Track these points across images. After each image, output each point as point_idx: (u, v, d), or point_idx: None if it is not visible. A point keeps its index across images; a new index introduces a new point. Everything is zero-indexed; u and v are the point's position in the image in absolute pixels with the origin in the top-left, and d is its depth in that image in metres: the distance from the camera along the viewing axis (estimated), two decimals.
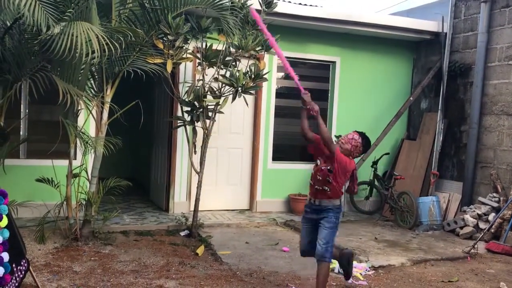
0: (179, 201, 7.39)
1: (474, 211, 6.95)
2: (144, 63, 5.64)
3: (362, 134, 4.23)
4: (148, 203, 8.12)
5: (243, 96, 5.99)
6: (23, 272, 4.04)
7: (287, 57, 8.01)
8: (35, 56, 5.10)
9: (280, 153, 8.06)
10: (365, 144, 4.20)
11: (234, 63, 6.07)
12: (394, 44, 8.50)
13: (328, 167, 4.04)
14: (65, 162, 5.78)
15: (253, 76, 5.94)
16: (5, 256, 3.80)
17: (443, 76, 7.95)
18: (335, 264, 4.95)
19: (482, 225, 6.76)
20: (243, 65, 6.15)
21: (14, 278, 3.90)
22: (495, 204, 6.88)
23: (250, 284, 4.57)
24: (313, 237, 4.20)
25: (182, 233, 6.25)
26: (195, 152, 6.33)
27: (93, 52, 4.63)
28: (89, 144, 5.50)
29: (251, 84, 5.93)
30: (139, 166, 10.20)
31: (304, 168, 8.04)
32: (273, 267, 5.16)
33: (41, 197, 6.13)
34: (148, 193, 8.67)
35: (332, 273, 4.99)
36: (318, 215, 4.18)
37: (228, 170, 7.74)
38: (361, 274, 5.01)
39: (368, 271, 5.15)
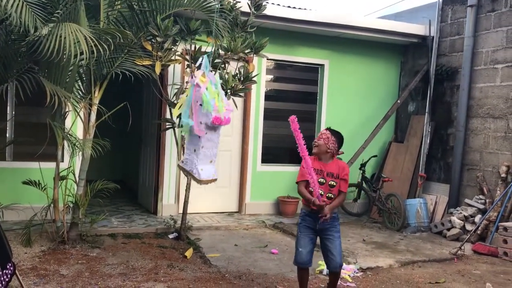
0: (168, 204, 7.36)
1: (460, 213, 7.03)
2: (133, 65, 5.61)
3: (326, 128, 4.19)
4: (136, 205, 8.08)
5: (232, 99, 5.99)
6: (9, 276, 3.99)
7: (273, 59, 8.07)
8: (22, 57, 5.05)
9: (269, 156, 8.08)
10: (334, 134, 4.09)
11: (223, 66, 6.07)
12: (382, 48, 8.57)
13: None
14: (52, 165, 5.73)
15: (242, 79, 5.95)
16: None
17: (430, 79, 8.03)
18: (323, 267, 4.96)
19: (468, 227, 6.83)
20: (232, 67, 6.15)
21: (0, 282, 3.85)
22: (481, 206, 6.96)
23: (239, 287, 4.56)
24: (313, 246, 4.09)
25: (171, 236, 6.22)
26: (183, 154, 6.30)
27: (81, 53, 4.60)
28: (77, 146, 5.46)
29: (240, 87, 5.94)
30: (127, 169, 10.14)
31: (293, 171, 8.06)
32: (262, 269, 5.16)
33: (27, 199, 6.07)
34: (136, 195, 8.62)
35: (321, 275, 5.02)
36: (323, 225, 3.98)
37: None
38: (349, 275, 5.03)
39: (357, 272, 5.18)
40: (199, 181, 4.25)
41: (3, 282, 3.92)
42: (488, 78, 7.28)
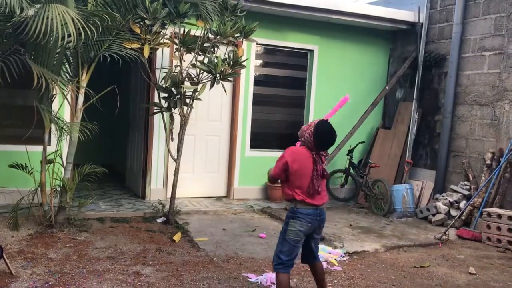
0: (156, 188, 7.35)
1: (446, 198, 7.13)
2: (121, 47, 5.54)
3: (324, 120, 3.68)
4: (124, 190, 8.06)
5: (221, 83, 5.98)
6: None
7: (263, 44, 8.01)
8: (7, 39, 4.96)
9: (258, 141, 8.08)
10: (318, 127, 3.55)
11: (212, 50, 6.04)
12: (371, 34, 8.57)
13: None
14: (39, 148, 5.67)
15: (231, 63, 5.92)
16: None
17: (419, 66, 8.06)
18: None
19: (453, 212, 6.94)
20: (222, 51, 6.12)
21: None
22: (466, 192, 7.07)
23: (227, 270, 4.60)
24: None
25: (159, 220, 6.23)
26: (172, 139, 6.29)
27: (68, 35, 4.54)
28: (65, 130, 5.41)
29: (230, 71, 5.91)
30: (115, 153, 10.08)
31: None
32: (250, 253, 5.20)
33: (14, 183, 6.02)
34: (124, 180, 8.59)
35: None
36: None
37: (205, 158, 7.73)
38: (336, 260, 5.10)
39: (343, 257, 5.25)
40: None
41: None
42: (476, 66, 7.34)
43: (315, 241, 3.78)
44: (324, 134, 3.54)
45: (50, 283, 4.01)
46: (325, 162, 3.91)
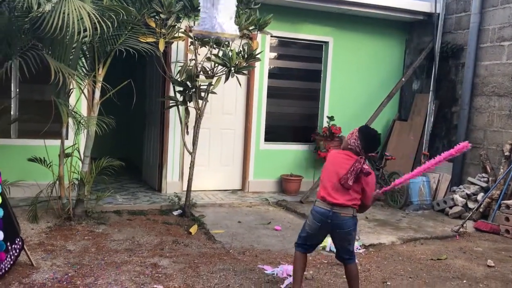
0: (172, 181, 7.41)
1: (463, 191, 7.06)
2: (136, 42, 5.58)
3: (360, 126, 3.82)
4: (141, 183, 8.14)
5: (236, 76, 5.98)
6: (17, 251, 4.07)
7: (278, 37, 7.97)
8: (25, 34, 5.04)
9: (273, 134, 8.08)
10: (362, 130, 3.69)
11: (226, 43, 6.03)
12: (387, 25, 8.48)
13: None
14: (57, 142, 5.76)
15: (246, 56, 5.92)
16: (0, 234, 3.81)
17: (435, 57, 7.97)
18: (326, 243, 5.02)
19: (471, 205, 6.87)
20: (236, 44, 6.12)
21: (9, 256, 3.92)
22: (484, 184, 6.98)
23: (243, 262, 4.63)
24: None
25: (175, 213, 6.29)
26: (187, 132, 6.33)
27: (84, 30, 4.58)
28: (82, 124, 5.48)
29: (244, 64, 5.91)
30: (131, 147, 10.17)
31: (296, 149, 8.11)
32: (265, 245, 5.22)
33: (33, 177, 6.12)
34: (140, 173, 8.67)
35: (324, 251, 5.08)
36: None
37: (220, 151, 7.75)
38: None
39: (359, 249, 5.23)
40: (223, 35, 3.70)
41: (12, 257, 4.00)
42: (494, 56, 7.22)
43: (339, 246, 3.75)
44: (370, 135, 3.68)
45: (69, 274, 4.08)
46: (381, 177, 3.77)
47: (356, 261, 4.84)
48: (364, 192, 3.62)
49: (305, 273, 4.36)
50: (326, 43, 8.22)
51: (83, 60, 5.72)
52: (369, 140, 3.65)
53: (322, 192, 3.65)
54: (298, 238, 3.86)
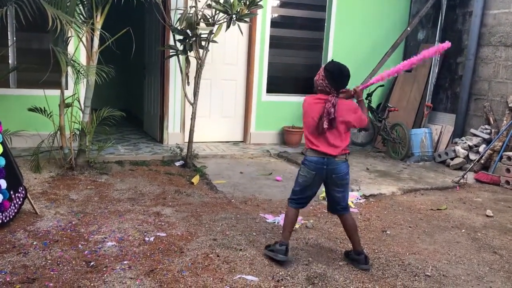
0: (173, 132, 7.40)
1: (465, 142, 7.04)
2: None
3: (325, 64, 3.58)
4: (142, 134, 8.13)
5: (238, 24, 5.83)
6: (21, 199, 4.10)
7: None
8: None
9: (275, 85, 7.98)
10: (328, 67, 3.46)
11: None
12: None
13: None
14: (56, 92, 5.70)
15: (248, 3, 5.74)
16: (3, 183, 3.84)
17: (442, 6, 7.75)
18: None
19: (472, 156, 6.87)
20: None
21: (12, 204, 3.96)
22: (486, 136, 6.96)
23: (245, 211, 4.68)
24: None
25: (177, 164, 6.31)
26: (188, 83, 6.25)
27: None
28: (81, 73, 5.40)
29: (246, 11, 5.75)
30: (132, 98, 10.11)
31: (298, 101, 8.01)
32: (267, 195, 5.27)
33: (34, 126, 6.10)
34: (142, 124, 8.65)
35: (324, 201, 5.11)
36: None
37: (222, 102, 7.69)
38: (352, 202, 5.13)
39: (360, 199, 5.29)
40: None
41: (16, 205, 4.04)
42: (503, 4, 7.00)
43: (335, 193, 3.68)
44: (336, 71, 3.45)
45: (73, 222, 4.13)
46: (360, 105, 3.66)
47: (356, 210, 4.91)
48: (351, 123, 3.53)
49: (305, 221, 4.43)
50: None
51: (81, 8, 5.56)
52: (337, 77, 3.43)
53: (310, 144, 3.57)
54: (292, 193, 3.75)
